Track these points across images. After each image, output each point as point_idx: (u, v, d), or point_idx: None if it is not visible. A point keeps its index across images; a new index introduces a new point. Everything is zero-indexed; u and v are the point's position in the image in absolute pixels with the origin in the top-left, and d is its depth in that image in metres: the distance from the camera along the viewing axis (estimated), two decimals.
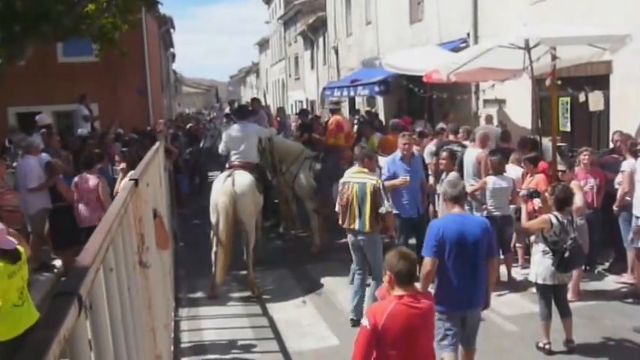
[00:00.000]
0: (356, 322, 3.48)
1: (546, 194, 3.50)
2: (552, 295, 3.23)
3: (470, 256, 2.55)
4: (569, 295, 3.61)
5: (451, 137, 5.66)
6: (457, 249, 2.53)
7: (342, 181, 3.59)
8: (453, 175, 4.31)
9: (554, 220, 3.15)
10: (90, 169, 4.60)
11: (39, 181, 4.93)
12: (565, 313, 3.26)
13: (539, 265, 3.21)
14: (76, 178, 4.60)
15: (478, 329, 2.78)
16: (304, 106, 17.64)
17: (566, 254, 3.06)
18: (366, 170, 3.52)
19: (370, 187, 3.39)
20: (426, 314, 2.04)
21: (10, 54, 5.25)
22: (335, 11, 14.34)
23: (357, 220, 3.45)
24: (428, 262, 2.58)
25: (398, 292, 2.00)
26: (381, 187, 3.42)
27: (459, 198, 2.66)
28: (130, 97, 10.42)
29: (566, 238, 3.10)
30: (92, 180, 4.50)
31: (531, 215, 3.49)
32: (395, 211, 4.22)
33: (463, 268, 2.54)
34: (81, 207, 4.53)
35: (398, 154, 4.33)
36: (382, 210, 3.38)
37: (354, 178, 3.51)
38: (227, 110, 9.79)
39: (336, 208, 3.67)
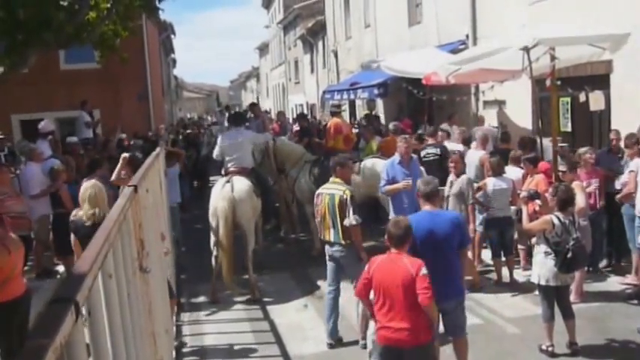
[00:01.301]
0: (334, 346, 3.41)
1: (547, 195, 3.49)
2: (555, 296, 3.22)
3: (441, 251, 2.67)
4: (572, 297, 3.59)
5: (430, 140, 5.64)
6: (428, 245, 2.63)
7: (316, 193, 3.50)
8: (464, 177, 4.26)
9: (555, 221, 3.14)
10: (93, 174, 4.68)
11: (41, 188, 4.96)
12: (568, 314, 3.24)
13: (542, 267, 3.20)
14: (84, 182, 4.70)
15: (464, 319, 2.83)
16: (304, 110, 17.73)
17: (569, 255, 3.05)
18: (338, 180, 3.40)
19: (337, 199, 3.28)
20: (407, 273, 2.36)
21: (14, 62, 5.31)
22: (334, 15, 14.40)
23: (331, 231, 3.35)
24: None
25: (392, 250, 2.46)
26: (349, 198, 3.26)
27: (430, 196, 2.78)
28: (132, 102, 10.48)
29: (569, 238, 3.09)
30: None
31: (532, 216, 3.48)
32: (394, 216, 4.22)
33: (435, 263, 2.62)
34: None
35: (396, 157, 4.31)
36: (346, 222, 3.24)
37: (327, 190, 3.40)
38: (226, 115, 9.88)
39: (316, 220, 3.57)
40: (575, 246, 3.07)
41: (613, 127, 5.15)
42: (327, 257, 3.51)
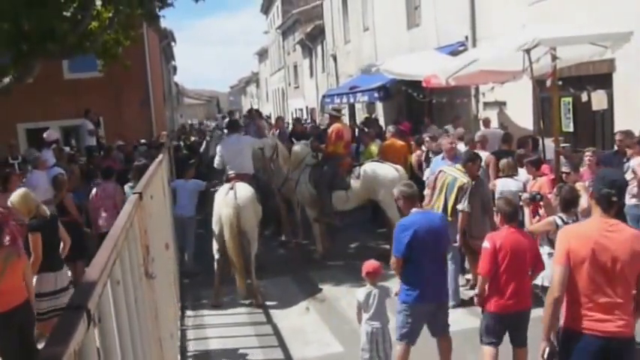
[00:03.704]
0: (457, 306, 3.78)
1: (549, 196, 3.48)
2: None
3: (438, 250, 2.77)
4: None
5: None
6: (429, 244, 2.69)
7: (439, 169, 4.02)
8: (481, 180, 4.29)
9: (559, 222, 3.12)
10: (109, 179, 5.02)
11: (45, 195, 5.02)
12: None
13: (545, 268, 3.19)
14: (95, 188, 5.00)
15: (447, 317, 2.92)
16: (304, 114, 17.81)
17: None
18: (463, 170, 3.89)
19: (460, 183, 3.77)
20: (532, 242, 2.72)
21: (19, 73, 5.38)
22: (332, 19, 14.49)
23: (440, 208, 3.80)
24: (395, 262, 2.77)
25: (507, 226, 2.71)
26: (466, 187, 3.76)
27: (415, 197, 2.94)
28: (133, 109, 10.56)
29: None
30: (111, 187, 4.96)
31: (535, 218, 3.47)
32: None
33: (433, 263, 2.68)
34: (101, 214, 4.85)
35: (442, 154, 4.76)
36: (459, 207, 3.73)
37: (451, 172, 3.90)
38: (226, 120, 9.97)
39: (425, 192, 4.08)
40: None
41: (616, 127, 5.13)
42: None
